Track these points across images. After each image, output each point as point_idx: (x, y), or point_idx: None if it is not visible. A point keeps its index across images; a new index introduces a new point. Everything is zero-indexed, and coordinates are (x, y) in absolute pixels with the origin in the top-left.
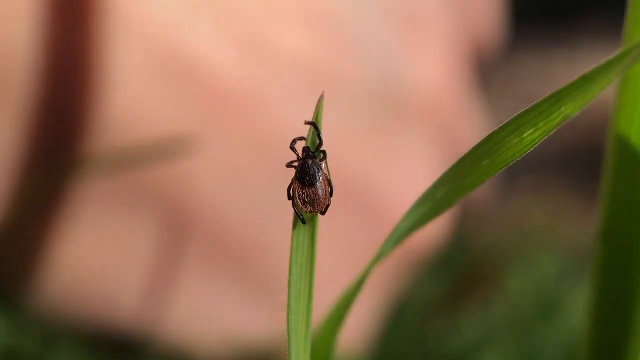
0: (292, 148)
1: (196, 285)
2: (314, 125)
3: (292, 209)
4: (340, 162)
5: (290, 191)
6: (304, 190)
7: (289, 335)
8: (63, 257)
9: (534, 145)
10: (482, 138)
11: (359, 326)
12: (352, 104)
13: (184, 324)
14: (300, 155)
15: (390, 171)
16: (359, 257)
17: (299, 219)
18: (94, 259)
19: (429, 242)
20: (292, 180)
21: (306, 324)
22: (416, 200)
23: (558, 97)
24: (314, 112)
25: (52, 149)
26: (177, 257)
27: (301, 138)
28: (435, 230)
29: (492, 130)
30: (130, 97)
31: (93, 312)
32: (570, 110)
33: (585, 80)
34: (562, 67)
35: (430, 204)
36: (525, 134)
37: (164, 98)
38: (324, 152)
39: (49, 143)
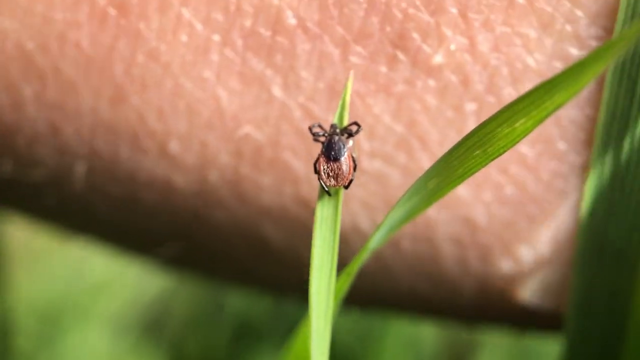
0: (312, 131)
1: None
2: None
3: (318, 182)
4: None
5: (316, 165)
6: (329, 165)
7: (311, 303)
8: None
9: (525, 134)
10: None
11: None
12: None
13: None
14: (327, 131)
15: None
16: None
17: (325, 191)
18: None
19: None
20: (319, 154)
21: (329, 293)
22: (408, 191)
23: (550, 86)
24: (343, 90)
25: None
26: None
27: (319, 126)
28: None
29: (484, 120)
30: None
31: None
32: (562, 99)
33: (577, 69)
34: None
35: (421, 195)
36: (518, 124)
37: None
38: (354, 129)
39: None
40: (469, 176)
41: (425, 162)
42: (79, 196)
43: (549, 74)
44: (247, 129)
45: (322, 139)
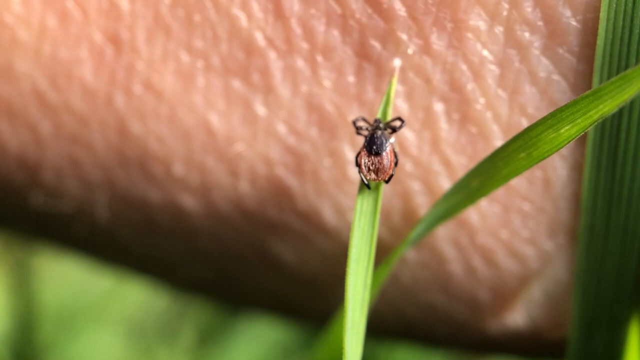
0: (356, 125)
1: None
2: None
3: (359, 175)
4: None
5: (357, 158)
6: (370, 159)
7: (346, 295)
8: None
9: (570, 141)
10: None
11: None
12: None
13: None
14: (371, 125)
15: None
16: None
17: (365, 185)
18: None
19: None
20: (361, 148)
21: (365, 287)
22: (451, 188)
23: (597, 95)
24: (387, 86)
25: None
26: None
27: (362, 119)
28: None
29: (530, 124)
30: None
31: None
32: (608, 108)
33: (624, 80)
34: None
35: (464, 193)
36: (563, 130)
37: None
38: (397, 124)
39: None
40: (512, 177)
41: (407, 166)
42: (104, 224)
43: (506, 63)
44: (238, 147)
45: (365, 132)
